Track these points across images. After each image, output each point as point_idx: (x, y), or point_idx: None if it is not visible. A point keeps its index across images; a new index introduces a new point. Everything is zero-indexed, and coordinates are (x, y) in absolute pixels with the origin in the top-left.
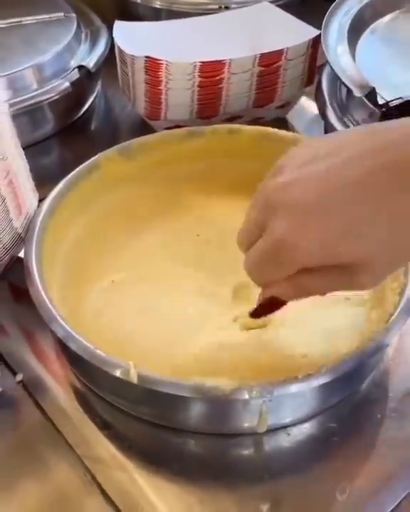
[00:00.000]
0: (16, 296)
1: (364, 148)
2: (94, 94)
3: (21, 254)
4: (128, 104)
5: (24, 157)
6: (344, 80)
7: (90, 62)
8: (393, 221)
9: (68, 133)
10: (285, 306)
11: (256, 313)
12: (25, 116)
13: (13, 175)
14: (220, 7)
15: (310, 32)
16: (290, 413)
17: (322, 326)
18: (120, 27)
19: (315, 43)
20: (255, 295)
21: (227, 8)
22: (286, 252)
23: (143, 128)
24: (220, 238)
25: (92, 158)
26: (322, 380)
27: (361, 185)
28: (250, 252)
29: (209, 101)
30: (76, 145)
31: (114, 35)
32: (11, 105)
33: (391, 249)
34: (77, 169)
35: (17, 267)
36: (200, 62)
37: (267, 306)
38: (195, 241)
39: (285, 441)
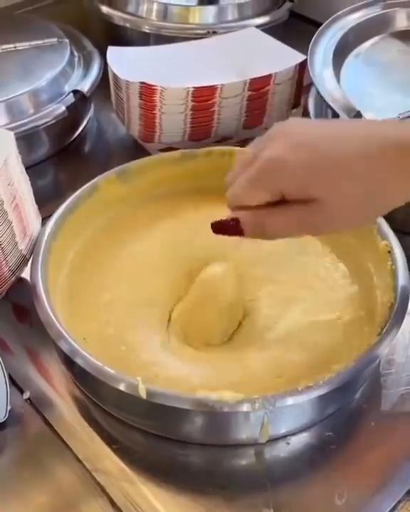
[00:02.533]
0: (18, 315)
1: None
2: (87, 117)
3: (24, 274)
4: (120, 126)
5: (28, 182)
6: (331, 104)
7: (85, 86)
8: (373, 182)
9: (63, 155)
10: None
11: (214, 227)
12: (23, 140)
13: (19, 199)
14: (208, 32)
15: (297, 57)
16: (289, 423)
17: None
18: (113, 52)
19: (302, 67)
20: None
21: (215, 32)
22: (273, 168)
23: (135, 149)
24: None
25: (92, 181)
26: (321, 391)
27: (356, 142)
28: (240, 177)
29: (202, 124)
30: (71, 166)
31: (108, 61)
32: (9, 130)
33: (358, 204)
34: (78, 191)
35: (18, 286)
36: (193, 87)
37: (227, 227)
38: (189, 253)
39: (284, 450)
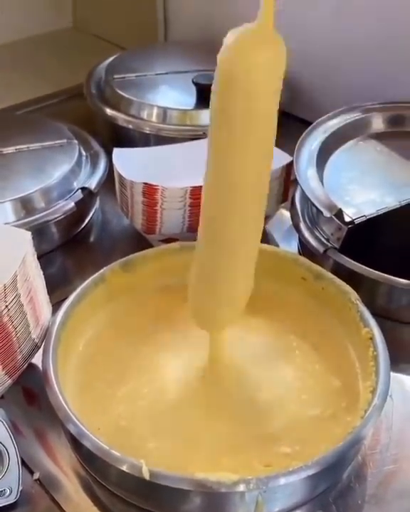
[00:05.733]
0: (28, 399)
1: None
2: (93, 210)
3: (34, 360)
4: (123, 217)
5: (42, 275)
6: (314, 202)
7: (92, 183)
8: None
9: (70, 245)
10: None
11: None
12: (34, 233)
13: (34, 292)
14: (204, 133)
15: (285, 158)
16: (282, 502)
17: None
18: (118, 154)
19: (289, 166)
20: None
21: None
22: None
23: (138, 239)
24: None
25: (99, 272)
26: (310, 471)
27: None
28: None
29: (198, 218)
30: (78, 256)
31: (113, 162)
32: (22, 225)
33: None
34: (86, 282)
35: (28, 372)
36: (191, 186)
37: None
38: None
39: None
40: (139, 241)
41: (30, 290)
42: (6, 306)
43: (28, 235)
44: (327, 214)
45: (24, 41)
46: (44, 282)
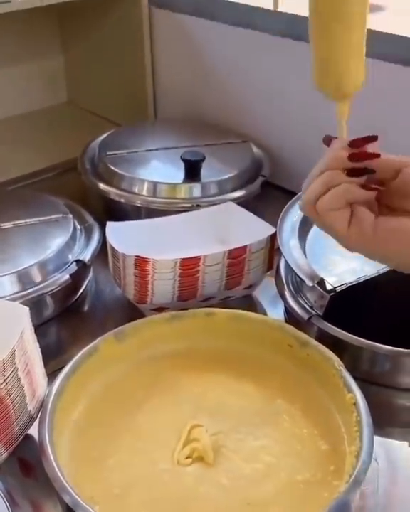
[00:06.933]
0: (24, 469)
1: None
2: (87, 280)
3: (30, 431)
4: (116, 287)
5: (38, 348)
6: (297, 272)
7: (86, 256)
8: None
9: (65, 315)
10: None
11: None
12: (30, 305)
13: (31, 365)
14: (192, 205)
15: (268, 229)
16: None
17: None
18: (112, 228)
19: (273, 237)
20: None
21: (199, 206)
22: None
23: (130, 308)
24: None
25: (92, 343)
26: None
27: None
28: None
29: (188, 288)
30: (72, 325)
31: (107, 235)
32: (19, 297)
33: None
34: (80, 353)
35: (24, 442)
36: (180, 258)
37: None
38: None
39: None
40: (131, 310)
41: (28, 363)
42: (4, 380)
43: (26, 310)
44: (309, 283)
45: (20, 117)
46: (40, 355)
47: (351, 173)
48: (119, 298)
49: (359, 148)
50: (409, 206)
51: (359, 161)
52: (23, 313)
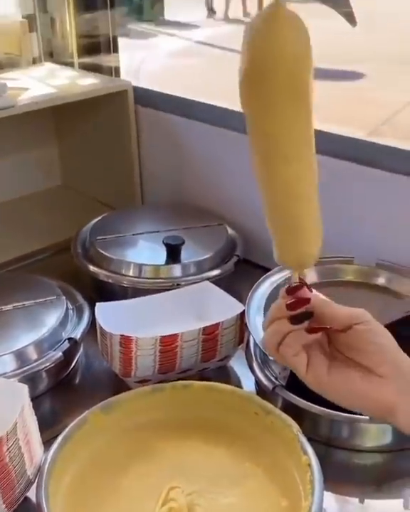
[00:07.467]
0: None
1: None
2: (78, 355)
3: (28, 493)
4: (104, 360)
5: (36, 420)
6: (261, 347)
7: (77, 334)
8: None
9: (57, 388)
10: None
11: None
12: (27, 381)
13: (30, 436)
14: (173, 284)
15: (239, 307)
16: None
17: None
18: (100, 308)
19: (242, 314)
20: None
21: (179, 285)
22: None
23: (116, 379)
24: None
25: (82, 415)
26: None
27: None
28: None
29: (167, 361)
30: (65, 397)
31: (96, 315)
32: (17, 374)
33: None
34: (71, 425)
35: (22, 504)
36: (160, 336)
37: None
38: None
39: None
40: (117, 382)
41: (27, 434)
42: (8, 449)
43: (25, 387)
44: (272, 357)
45: (18, 200)
46: (37, 426)
47: (292, 320)
48: (107, 370)
49: (294, 295)
50: (359, 359)
51: (295, 308)
52: (23, 392)
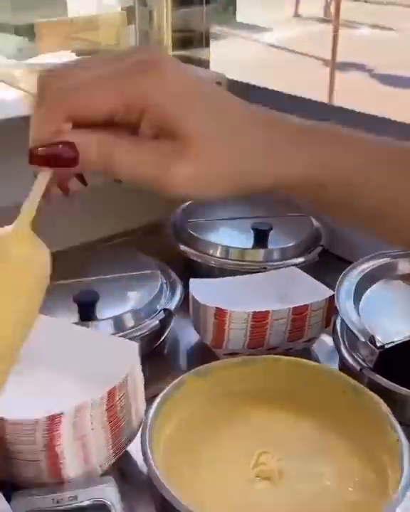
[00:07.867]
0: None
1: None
2: (170, 327)
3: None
4: (192, 334)
5: (143, 378)
6: (352, 329)
7: (172, 305)
8: (260, 140)
9: (148, 357)
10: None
11: (37, 157)
12: None
13: (137, 390)
14: (259, 268)
15: (327, 292)
16: None
17: None
18: (195, 283)
19: (331, 299)
20: None
21: (265, 268)
22: (145, 69)
23: (204, 352)
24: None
25: (180, 377)
26: None
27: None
28: (85, 75)
29: (257, 337)
30: (155, 365)
31: (190, 290)
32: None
33: (231, 161)
34: (170, 386)
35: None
36: (253, 311)
37: (55, 155)
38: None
39: None
40: (204, 355)
41: (135, 388)
42: (119, 399)
43: (137, 345)
44: (362, 339)
45: (111, 184)
46: (143, 382)
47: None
48: (195, 343)
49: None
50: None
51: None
52: (134, 348)
